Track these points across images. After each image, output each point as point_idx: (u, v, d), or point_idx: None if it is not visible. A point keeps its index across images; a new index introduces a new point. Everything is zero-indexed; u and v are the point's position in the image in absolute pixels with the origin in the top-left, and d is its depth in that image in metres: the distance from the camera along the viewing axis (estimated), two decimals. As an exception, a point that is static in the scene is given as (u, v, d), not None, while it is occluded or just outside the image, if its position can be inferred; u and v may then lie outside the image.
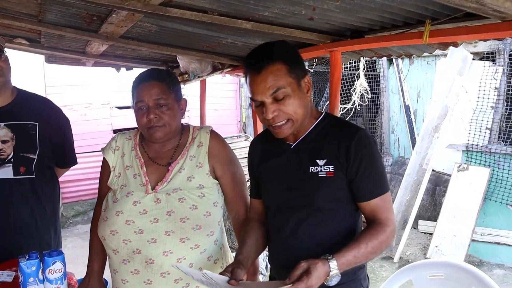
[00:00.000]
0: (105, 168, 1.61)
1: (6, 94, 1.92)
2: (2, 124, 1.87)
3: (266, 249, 1.53)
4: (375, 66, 6.48)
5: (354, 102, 5.89)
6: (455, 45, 2.27)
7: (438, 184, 5.19)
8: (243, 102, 8.50)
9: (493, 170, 4.58)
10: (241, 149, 5.85)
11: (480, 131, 4.80)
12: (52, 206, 2.03)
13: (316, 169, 1.32)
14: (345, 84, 6.44)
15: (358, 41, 2.22)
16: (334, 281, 1.18)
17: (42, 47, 3.75)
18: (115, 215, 1.45)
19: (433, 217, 5.02)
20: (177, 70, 4.15)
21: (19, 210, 1.88)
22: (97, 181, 1.65)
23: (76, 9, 2.35)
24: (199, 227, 1.43)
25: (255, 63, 1.28)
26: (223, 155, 1.58)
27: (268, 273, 1.66)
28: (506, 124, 4.78)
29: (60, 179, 2.14)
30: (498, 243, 4.47)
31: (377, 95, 6.42)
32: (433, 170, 5.10)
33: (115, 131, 6.94)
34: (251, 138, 5.25)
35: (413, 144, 5.51)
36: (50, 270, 1.61)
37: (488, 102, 4.77)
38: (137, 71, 2.92)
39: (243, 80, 5.05)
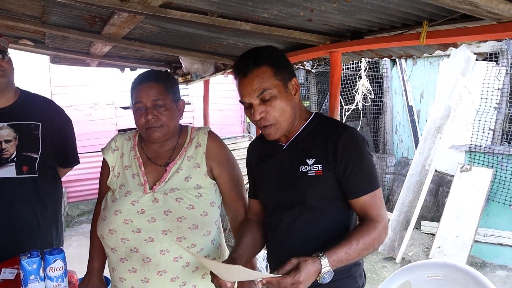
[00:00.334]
0: (105, 168, 1.64)
1: (10, 94, 1.95)
2: (5, 124, 1.90)
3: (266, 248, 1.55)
4: (379, 66, 6.47)
5: (357, 102, 5.89)
6: (455, 46, 2.28)
7: (441, 185, 5.18)
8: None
9: (496, 171, 4.57)
10: (244, 149, 5.87)
11: (483, 132, 4.79)
12: (54, 206, 2.06)
13: (306, 168, 1.35)
14: (349, 85, 6.44)
15: (357, 42, 2.23)
16: (327, 278, 1.19)
17: (46, 48, 3.80)
18: (114, 214, 1.47)
19: (436, 218, 5.01)
20: (180, 70, 4.18)
21: (22, 209, 1.91)
22: (102, 180, 1.67)
23: (78, 10, 2.38)
24: (195, 227, 1.45)
25: (242, 67, 1.34)
26: (221, 156, 1.60)
27: (268, 272, 1.68)
28: (509, 125, 4.76)
29: (65, 179, 2.17)
30: (501, 244, 4.45)
31: (380, 95, 6.42)
32: (436, 170, 5.09)
33: (120, 131, 6.98)
34: (254, 138, 5.26)
35: (416, 145, 5.50)
36: (51, 268, 1.64)
37: (491, 102, 4.76)
38: (141, 71, 2.95)
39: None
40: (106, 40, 3.00)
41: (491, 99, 4.74)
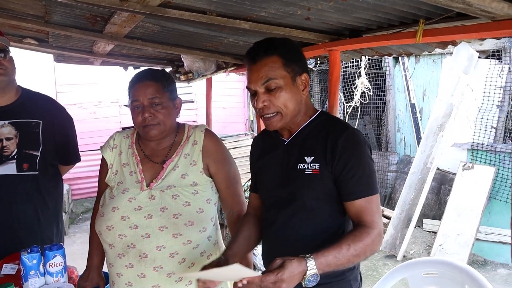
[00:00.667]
0: (103, 166, 1.66)
1: (11, 93, 1.98)
2: (7, 122, 1.93)
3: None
4: (381, 64, 6.47)
5: (356, 100, 5.89)
6: (454, 43, 2.28)
7: (443, 183, 5.17)
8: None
9: (498, 169, 4.55)
10: (246, 147, 5.90)
11: (486, 130, 4.77)
12: (55, 203, 2.09)
13: (304, 166, 1.33)
14: (351, 83, 6.44)
15: (355, 40, 2.24)
16: (312, 282, 1.15)
17: (50, 47, 3.83)
18: (111, 211, 1.50)
19: (438, 216, 5.01)
20: (182, 69, 4.20)
21: (22, 206, 1.93)
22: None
23: (79, 10, 2.41)
24: (191, 223, 1.47)
25: (253, 54, 1.33)
26: (217, 153, 1.62)
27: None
28: (511, 123, 4.74)
29: (69, 176, 2.20)
30: (503, 243, 4.44)
31: (383, 93, 6.41)
32: (438, 168, 5.08)
33: (124, 129, 7.04)
34: (256, 136, 5.27)
35: (419, 143, 5.49)
36: (51, 264, 1.67)
37: (493, 100, 4.74)
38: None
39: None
40: (108, 39, 3.03)
41: (494, 97, 4.73)
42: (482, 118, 4.81)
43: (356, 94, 5.90)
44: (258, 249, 1.61)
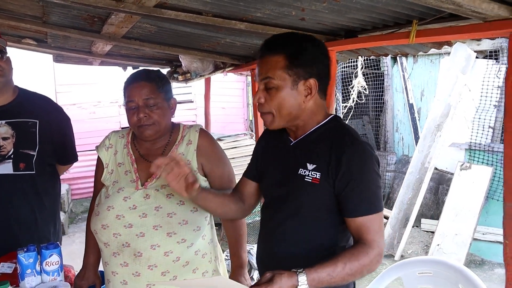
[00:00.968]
0: (99, 165, 1.68)
1: (8, 93, 2.00)
2: (3, 121, 1.94)
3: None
4: (379, 64, 6.48)
5: (353, 99, 5.90)
6: (449, 44, 2.29)
7: (441, 183, 5.19)
8: (250, 100, 8.54)
9: (496, 169, 4.56)
10: (245, 147, 5.91)
11: (483, 130, 4.78)
12: (52, 202, 2.10)
13: (304, 172, 1.30)
14: (348, 83, 6.45)
15: (351, 40, 2.25)
16: None
17: (49, 47, 3.85)
18: (106, 210, 1.52)
19: (436, 216, 5.02)
20: (180, 69, 4.21)
21: (19, 205, 1.95)
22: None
23: (77, 11, 2.42)
24: (185, 222, 1.49)
25: (262, 48, 1.32)
26: (212, 153, 1.63)
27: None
28: (509, 123, 4.74)
29: (69, 176, 2.22)
30: (500, 242, 4.42)
31: (381, 93, 6.43)
32: (436, 168, 5.09)
33: (123, 129, 7.06)
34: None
35: (417, 143, 5.50)
36: (47, 263, 1.68)
37: (491, 100, 4.74)
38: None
39: (249, 79, 5.10)
40: (106, 39, 3.04)
41: (491, 97, 4.73)
42: (479, 118, 4.82)
43: (352, 94, 5.91)
44: (255, 249, 1.62)
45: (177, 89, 7.29)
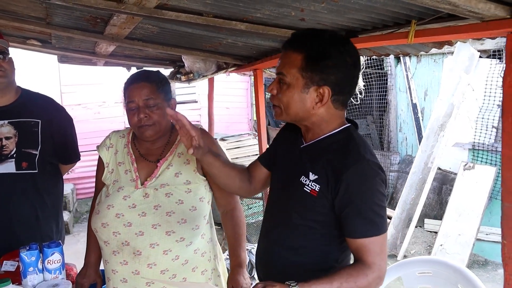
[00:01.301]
0: (100, 165, 1.70)
1: (10, 94, 2.03)
2: (6, 121, 1.97)
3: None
4: (383, 64, 6.47)
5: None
6: (450, 43, 2.29)
7: (445, 183, 5.17)
8: (254, 100, 8.55)
9: (499, 169, 4.54)
10: (249, 147, 5.93)
11: (487, 130, 4.76)
12: (54, 201, 2.12)
13: (305, 181, 1.26)
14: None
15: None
16: None
17: (53, 48, 3.88)
18: (106, 209, 1.54)
19: (439, 216, 5.01)
20: (183, 69, 4.24)
21: (20, 204, 1.97)
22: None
23: (79, 12, 2.44)
24: (184, 221, 1.50)
25: (287, 41, 1.29)
26: None
27: None
28: (513, 123, 4.71)
29: (74, 176, 2.24)
30: (504, 243, 4.43)
31: (385, 93, 6.42)
32: (439, 168, 5.08)
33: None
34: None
35: (421, 143, 5.49)
36: (49, 261, 1.70)
37: (494, 100, 4.72)
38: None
39: (253, 79, 5.13)
40: (109, 40, 3.06)
41: (495, 96, 4.71)
42: (483, 118, 4.80)
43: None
44: (255, 248, 1.63)
45: (181, 89, 7.32)
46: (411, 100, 5.99)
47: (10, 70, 1.96)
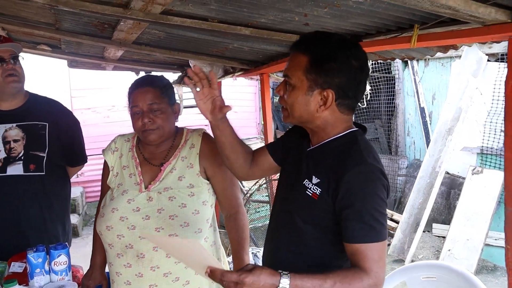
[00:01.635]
0: (105, 168, 1.73)
1: (20, 98, 2.08)
2: (14, 124, 2.02)
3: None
4: (390, 68, 6.45)
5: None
6: (455, 47, 2.29)
7: (453, 187, 5.13)
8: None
9: (509, 173, 4.49)
10: (256, 151, 5.94)
11: (495, 134, 4.72)
12: (62, 203, 2.16)
13: (308, 184, 1.26)
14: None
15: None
16: None
17: (63, 53, 3.95)
18: (111, 212, 1.56)
19: (448, 221, 4.96)
20: (191, 74, 4.26)
21: (28, 205, 2.01)
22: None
23: (87, 18, 2.49)
24: (187, 224, 1.52)
25: (294, 43, 1.28)
26: (214, 157, 1.65)
27: None
28: (522, 127, 4.67)
29: (84, 179, 2.28)
30: (513, 248, 4.38)
31: (392, 97, 6.39)
32: (447, 173, 5.04)
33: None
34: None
35: (428, 147, 5.46)
36: (56, 262, 1.73)
37: (503, 104, 4.66)
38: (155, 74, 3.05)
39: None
40: (117, 45, 3.11)
41: (503, 100, 4.67)
42: (491, 122, 4.76)
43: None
44: (261, 252, 1.64)
45: (189, 93, 7.36)
46: (419, 104, 5.96)
47: (22, 75, 2.02)
